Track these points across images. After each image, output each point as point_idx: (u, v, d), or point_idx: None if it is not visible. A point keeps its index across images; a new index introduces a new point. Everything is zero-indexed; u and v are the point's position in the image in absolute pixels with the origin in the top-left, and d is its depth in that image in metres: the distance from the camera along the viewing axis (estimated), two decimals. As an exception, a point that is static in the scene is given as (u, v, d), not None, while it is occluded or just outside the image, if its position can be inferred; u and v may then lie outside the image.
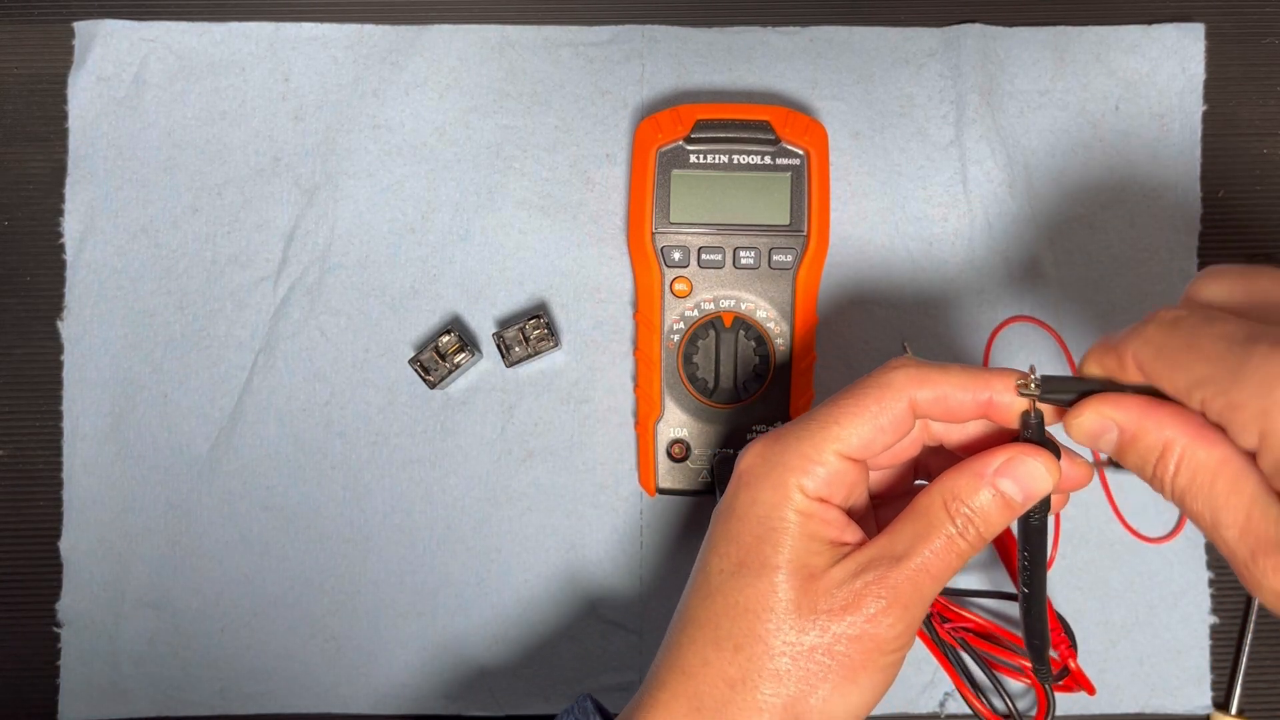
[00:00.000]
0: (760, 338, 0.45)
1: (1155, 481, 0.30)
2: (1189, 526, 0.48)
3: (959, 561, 0.32)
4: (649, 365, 0.46)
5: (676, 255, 0.45)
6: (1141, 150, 0.49)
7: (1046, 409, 0.32)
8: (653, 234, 0.45)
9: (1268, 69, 0.50)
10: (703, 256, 0.45)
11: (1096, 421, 0.31)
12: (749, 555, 0.33)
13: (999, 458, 0.32)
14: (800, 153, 0.45)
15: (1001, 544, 0.47)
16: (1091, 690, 0.46)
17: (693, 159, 0.45)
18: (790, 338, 0.45)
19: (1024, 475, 0.32)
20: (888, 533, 0.33)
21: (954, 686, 0.46)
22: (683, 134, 0.45)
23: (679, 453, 0.46)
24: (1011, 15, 0.49)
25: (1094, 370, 0.32)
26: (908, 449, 0.36)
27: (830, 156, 0.46)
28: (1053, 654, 0.45)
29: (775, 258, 0.45)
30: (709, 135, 0.45)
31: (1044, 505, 0.33)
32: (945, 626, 0.45)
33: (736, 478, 0.35)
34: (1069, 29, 0.49)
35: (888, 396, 0.33)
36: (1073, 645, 0.46)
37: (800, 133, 0.45)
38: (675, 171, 0.45)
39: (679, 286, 0.45)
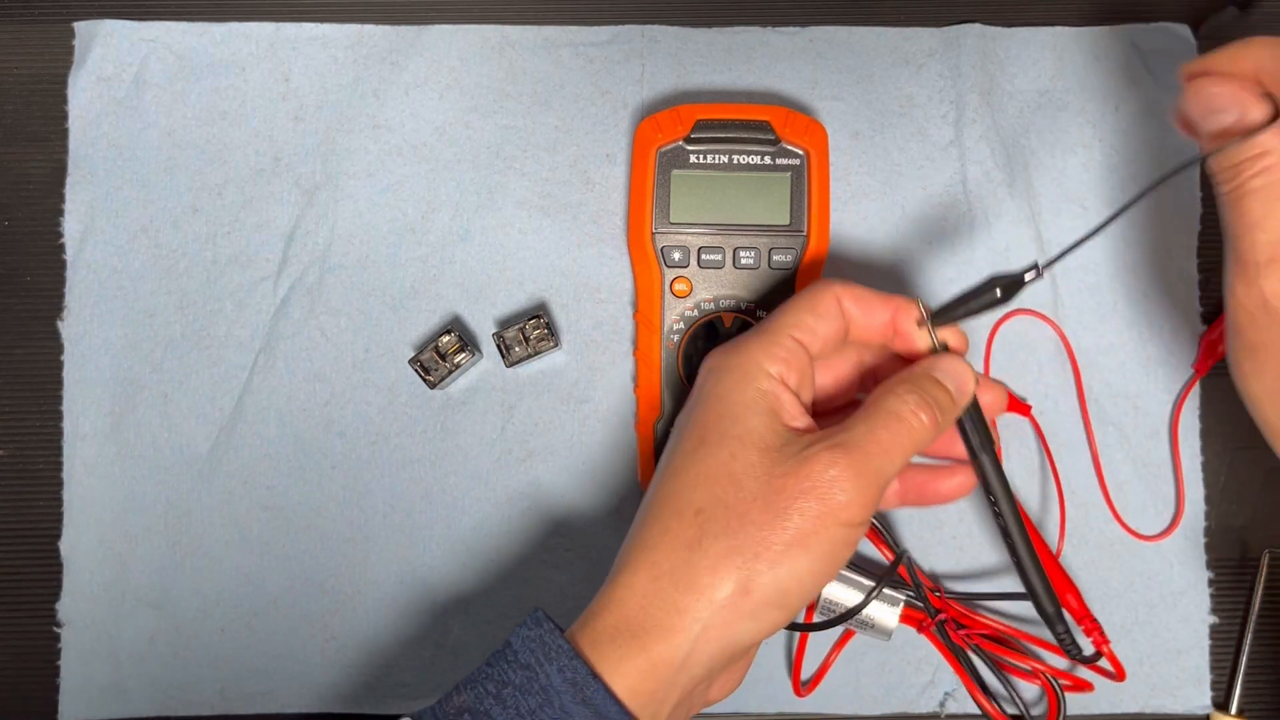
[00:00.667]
0: None
1: (1227, 171, 0.33)
2: (1184, 525, 0.48)
3: (910, 444, 0.35)
4: (649, 365, 0.46)
5: (676, 255, 0.45)
6: (1141, 150, 0.49)
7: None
8: (653, 234, 0.45)
9: (1267, 69, 0.50)
10: (703, 256, 0.45)
11: (1224, 97, 0.34)
12: (710, 431, 0.36)
13: (927, 360, 0.38)
14: (800, 153, 0.45)
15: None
16: (1122, 675, 0.45)
17: (693, 159, 0.45)
18: None
19: (949, 367, 0.37)
20: (842, 425, 0.36)
21: (962, 685, 0.46)
22: (683, 134, 0.45)
23: None
24: (1011, 15, 0.49)
25: (1199, 68, 0.35)
26: (843, 366, 0.41)
27: (830, 156, 0.46)
28: (1080, 636, 0.46)
29: (775, 258, 0.45)
30: (709, 135, 0.45)
31: (980, 424, 0.38)
32: (960, 633, 0.45)
33: (704, 372, 0.38)
34: (1069, 29, 0.49)
35: (819, 289, 0.38)
36: (1102, 630, 0.46)
37: (800, 133, 0.45)
38: (675, 171, 0.45)
39: (679, 286, 0.45)
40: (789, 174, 0.45)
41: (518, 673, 0.34)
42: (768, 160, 0.45)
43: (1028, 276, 0.37)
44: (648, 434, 0.46)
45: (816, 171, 0.45)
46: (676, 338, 0.45)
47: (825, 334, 0.38)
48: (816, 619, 0.46)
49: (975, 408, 0.38)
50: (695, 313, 0.45)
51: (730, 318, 0.45)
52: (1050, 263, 0.38)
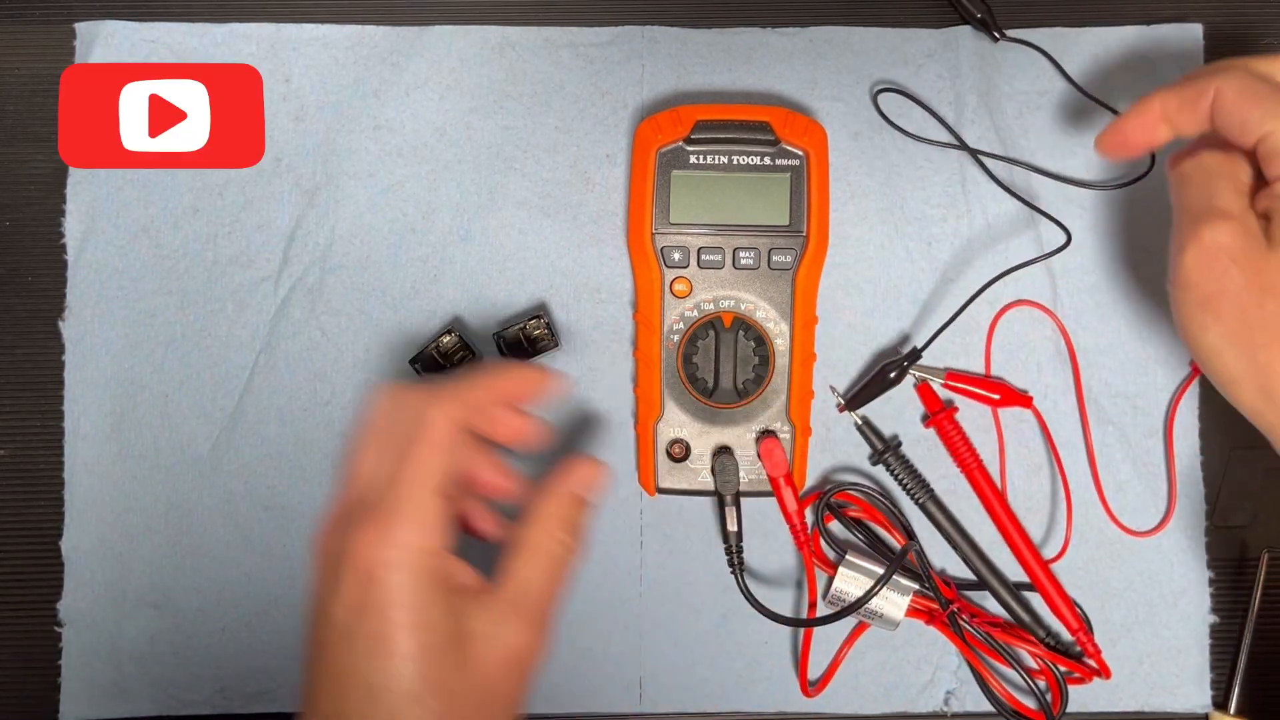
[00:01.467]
0: (760, 338, 0.45)
1: (1178, 155, 0.39)
2: (1185, 525, 0.48)
3: (565, 571, 0.37)
4: (649, 365, 0.46)
5: (676, 255, 0.45)
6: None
7: None
8: (653, 234, 0.45)
9: (1266, 69, 0.50)
10: (702, 257, 0.45)
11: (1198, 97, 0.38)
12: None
13: (568, 470, 0.38)
14: (800, 153, 0.45)
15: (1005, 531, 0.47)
16: (1107, 673, 0.46)
17: (692, 159, 0.45)
18: (790, 338, 0.45)
19: (588, 472, 0.38)
20: (510, 575, 0.36)
21: (971, 676, 0.46)
22: (683, 135, 0.45)
23: (679, 453, 0.46)
24: (1011, 15, 0.49)
25: (1166, 96, 0.39)
26: None
27: (830, 157, 0.46)
28: (1064, 636, 0.47)
29: (775, 258, 0.45)
30: (709, 136, 0.45)
31: (913, 476, 0.46)
32: (972, 622, 0.46)
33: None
34: (1068, 29, 0.49)
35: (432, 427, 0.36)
36: (1089, 629, 0.47)
37: (800, 133, 0.45)
38: (675, 172, 0.45)
39: (679, 287, 0.45)
40: (788, 174, 0.45)
41: None
42: (767, 161, 0.45)
43: (907, 364, 0.46)
44: (647, 434, 0.46)
45: (816, 172, 0.45)
46: (676, 338, 0.45)
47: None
48: (825, 612, 0.46)
49: (905, 465, 0.44)
50: (695, 313, 0.45)
51: (730, 317, 0.45)
52: (928, 343, 0.46)
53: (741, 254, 0.45)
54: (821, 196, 0.45)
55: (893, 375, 0.46)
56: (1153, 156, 0.47)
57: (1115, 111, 0.48)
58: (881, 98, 0.49)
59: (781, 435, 0.45)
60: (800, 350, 0.45)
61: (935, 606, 0.46)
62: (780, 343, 0.45)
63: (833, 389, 0.48)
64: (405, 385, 0.37)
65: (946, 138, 0.48)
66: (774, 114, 0.45)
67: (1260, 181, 0.38)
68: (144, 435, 0.48)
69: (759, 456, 0.45)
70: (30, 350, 0.48)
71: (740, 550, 0.45)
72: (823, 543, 0.47)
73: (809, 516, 0.47)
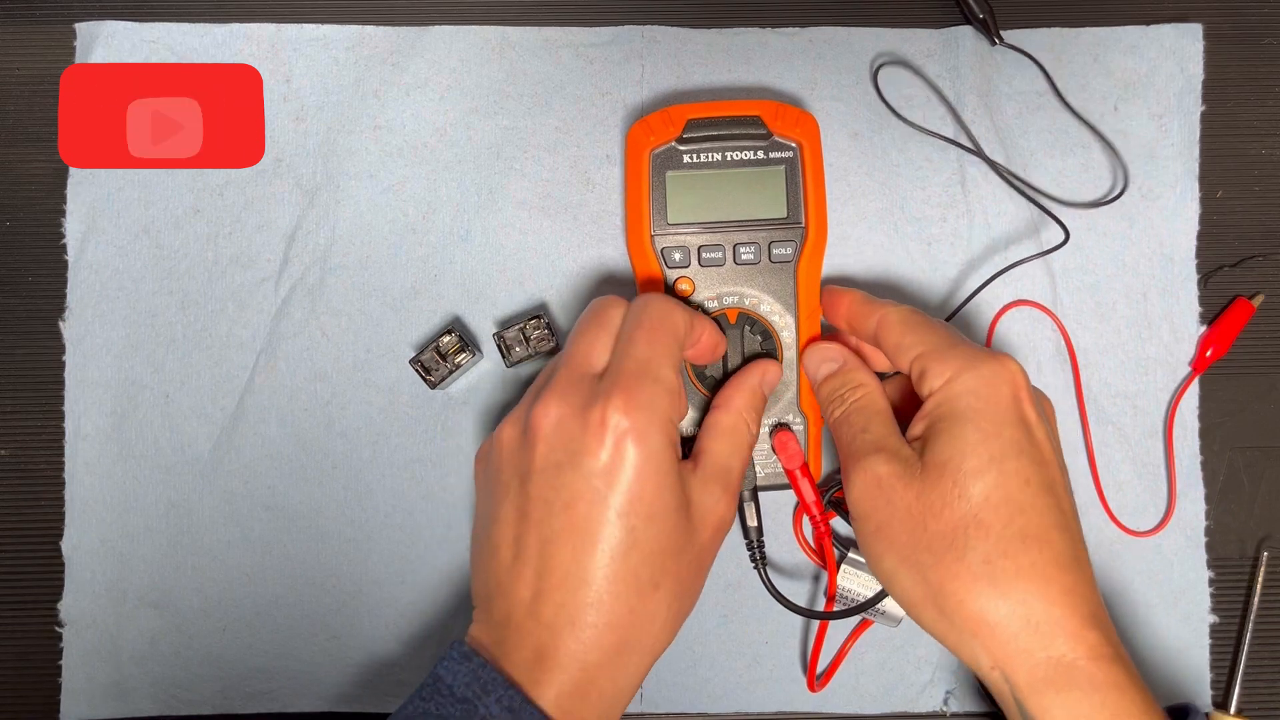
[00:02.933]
0: (766, 332, 0.45)
1: (833, 401, 0.43)
2: (1184, 524, 0.48)
3: (749, 447, 0.42)
4: None
5: (677, 256, 0.45)
6: (1140, 150, 0.49)
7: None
8: (652, 236, 0.45)
9: (1267, 69, 0.50)
10: (703, 255, 0.45)
11: (832, 352, 0.44)
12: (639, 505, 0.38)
13: (753, 369, 0.43)
14: (793, 145, 0.45)
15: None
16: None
17: (686, 159, 0.45)
18: (796, 329, 0.45)
19: (770, 370, 0.44)
20: (708, 452, 0.41)
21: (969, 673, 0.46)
22: (674, 135, 0.45)
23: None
24: (1012, 15, 0.49)
25: (845, 301, 0.44)
26: None
27: (829, 156, 0.46)
28: None
29: (775, 251, 0.45)
30: (701, 134, 0.45)
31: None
32: None
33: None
34: (1067, 30, 0.49)
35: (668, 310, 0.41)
36: None
37: (791, 125, 0.45)
38: (670, 173, 0.45)
39: (682, 286, 0.45)
40: (783, 166, 0.45)
41: (455, 706, 0.36)
42: (761, 155, 0.45)
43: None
44: None
45: (810, 162, 0.45)
46: None
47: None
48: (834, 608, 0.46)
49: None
50: (700, 311, 0.45)
51: (735, 314, 0.45)
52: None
53: (742, 249, 0.45)
54: (818, 186, 0.45)
55: (893, 375, 0.46)
56: (1126, 178, 0.48)
57: (1097, 130, 0.48)
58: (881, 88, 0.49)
59: (794, 427, 0.45)
60: (807, 341, 0.45)
61: None
62: (786, 335, 0.45)
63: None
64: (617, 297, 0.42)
65: (945, 124, 0.48)
66: (764, 107, 0.45)
67: (912, 403, 0.41)
68: (144, 435, 0.48)
69: (773, 450, 0.45)
70: (31, 350, 0.49)
71: (762, 545, 0.45)
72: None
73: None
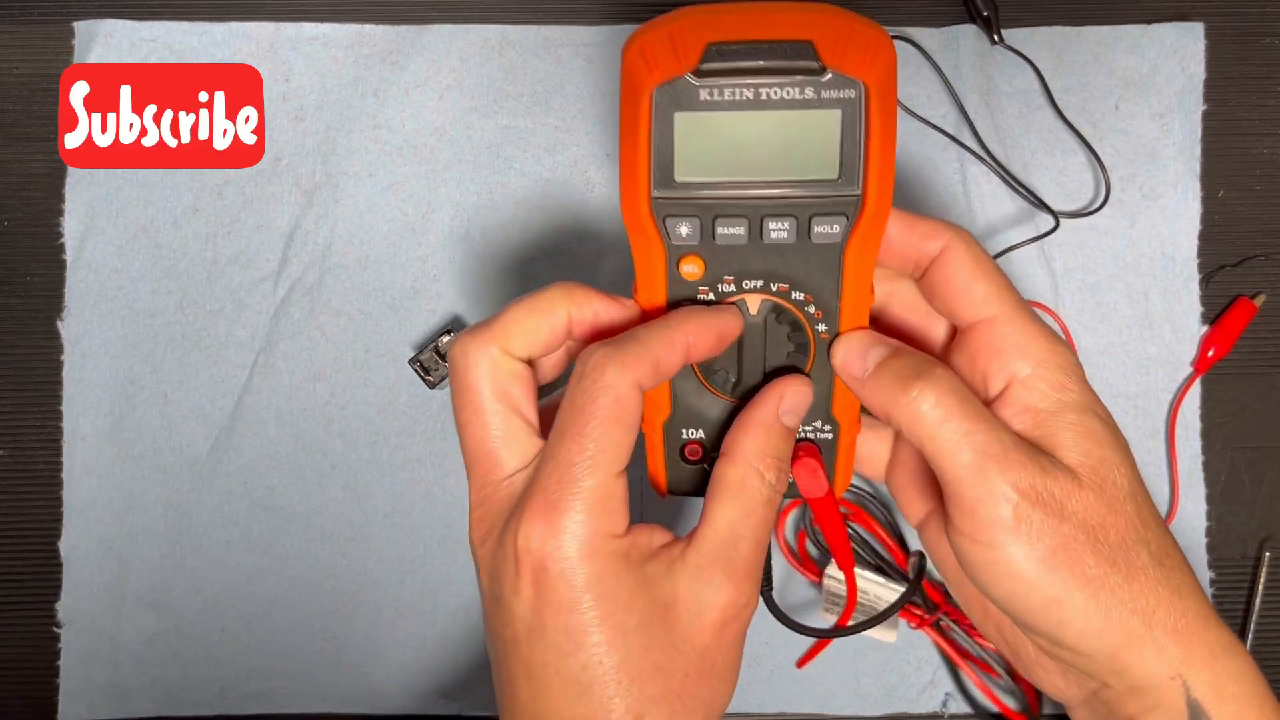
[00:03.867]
0: (796, 322, 0.34)
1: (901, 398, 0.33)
2: (1185, 524, 0.48)
3: (770, 512, 0.33)
4: None
5: (684, 228, 0.32)
6: (1141, 150, 0.49)
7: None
8: (651, 200, 0.32)
9: (1268, 69, 0.50)
10: (719, 229, 0.32)
11: (875, 337, 0.34)
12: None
13: (767, 396, 0.33)
14: (857, 83, 0.30)
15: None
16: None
17: (704, 96, 0.30)
18: (837, 325, 0.34)
19: (792, 395, 0.33)
20: (708, 523, 0.32)
21: (968, 681, 0.46)
22: (689, 65, 0.30)
23: (694, 454, 0.36)
24: (1013, 14, 0.49)
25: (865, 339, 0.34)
26: None
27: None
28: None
29: (818, 227, 0.32)
30: (725, 66, 0.30)
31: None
32: (959, 627, 0.46)
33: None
34: (1068, 29, 0.49)
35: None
36: None
37: (858, 54, 0.30)
38: (679, 115, 0.31)
39: (688, 268, 0.33)
40: (839, 111, 0.30)
41: None
42: (810, 94, 0.30)
43: None
44: (655, 434, 0.36)
45: (878, 110, 0.30)
46: None
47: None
48: (824, 615, 0.46)
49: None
50: (711, 298, 0.34)
51: (756, 301, 0.34)
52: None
53: (771, 223, 0.32)
54: (885, 143, 0.31)
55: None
56: (1108, 188, 0.48)
57: (1086, 140, 0.48)
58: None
59: (822, 436, 0.35)
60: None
61: (924, 612, 0.46)
62: (824, 328, 0.34)
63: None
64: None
65: (945, 123, 0.48)
66: (821, 27, 0.30)
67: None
68: (143, 435, 0.48)
69: (792, 474, 0.35)
70: (29, 350, 0.48)
71: (769, 569, 0.36)
72: (808, 545, 0.47)
73: (790, 520, 0.47)
